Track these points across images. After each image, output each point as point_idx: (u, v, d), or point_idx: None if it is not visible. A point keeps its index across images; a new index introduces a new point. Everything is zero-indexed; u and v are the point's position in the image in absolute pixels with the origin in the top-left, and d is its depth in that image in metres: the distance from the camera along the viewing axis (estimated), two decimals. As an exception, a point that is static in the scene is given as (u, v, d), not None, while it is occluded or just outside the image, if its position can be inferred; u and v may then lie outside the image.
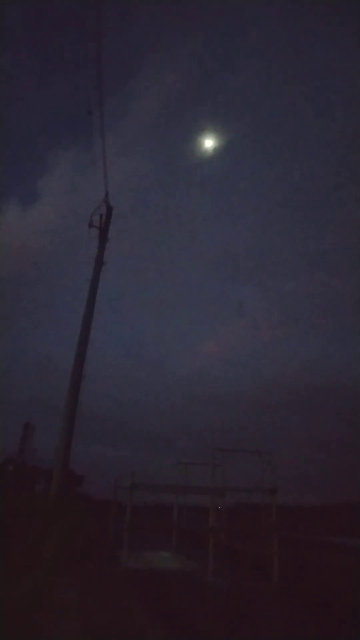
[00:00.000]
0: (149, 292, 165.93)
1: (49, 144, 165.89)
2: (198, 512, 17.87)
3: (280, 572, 10.83)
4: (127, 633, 5.54)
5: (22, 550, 7.71)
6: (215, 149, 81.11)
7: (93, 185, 22.92)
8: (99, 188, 22.87)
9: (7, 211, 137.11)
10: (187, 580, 10.72)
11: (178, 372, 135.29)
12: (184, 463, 16.32)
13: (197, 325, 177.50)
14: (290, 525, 24.84)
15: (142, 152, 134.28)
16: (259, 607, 8.53)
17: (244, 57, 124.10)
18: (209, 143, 79.62)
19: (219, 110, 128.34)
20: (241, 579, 11.29)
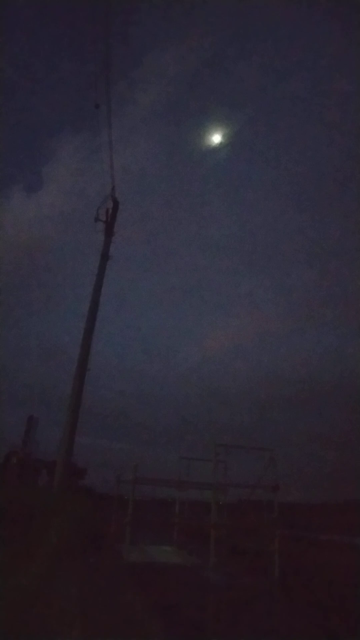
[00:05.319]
0: (154, 282, 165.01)
1: (53, 130, 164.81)
2: (200, 507, 17.90)
3: (281, 569, 10.82)
4: (127, 627, 5.54)
5: (23, 542, 7.74)
6: (222, 139, 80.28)
7: (99, 172, 22.83)
8: (105, 175, 22.73)
9: (11, 199, 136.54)
10: (188, 575, 10.75)
11: (183, 365, 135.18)
12: (187, 458, 16.32)
13: (204, 317, 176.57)
14: (292, 522, 24.84)
15: (147, 140, 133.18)
16: (259, 602, 8.53)
17: (250, 46, 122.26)
18: (215, 133, 79.00)
19: (225, 99, 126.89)
20: (242, 574, 11.30)
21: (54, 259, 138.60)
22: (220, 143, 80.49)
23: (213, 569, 10.94)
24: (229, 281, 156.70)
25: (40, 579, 5.79)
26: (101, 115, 21.74)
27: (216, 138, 74.65)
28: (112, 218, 22.63)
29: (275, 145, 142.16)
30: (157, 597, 7.72)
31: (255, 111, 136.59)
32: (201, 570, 11.11)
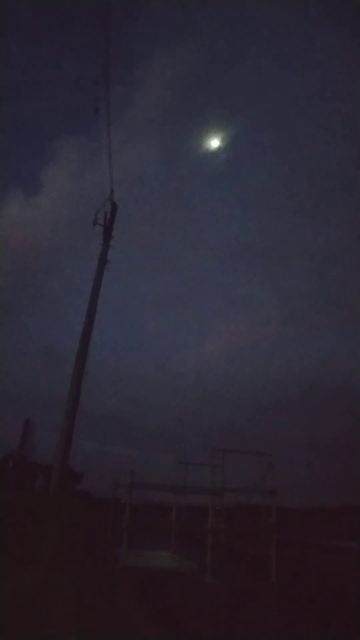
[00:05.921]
0: (151, 286, 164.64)
1: (53, 134, 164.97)
2: (197, 512, 17.86)
3: (278, 573, 10.79)
4: (124, 632, 5.51)
5: (20, 546, 7.70)
6: (221, 142, 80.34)
7: (98, 175, 22.76)
8: (104, 178, 22.72)
9: (10, 201, 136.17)
10: (185, 580, 10.69)
11: (181, 370, 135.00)
12: (184, 463, 16.29)
13: (201, 322, 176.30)
14: (289, 527, 24.79)
15: (146, 143, 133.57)
16: (256, 607, 8.50)
17: (251, 48, 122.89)
18: (214, 136, 79.26)
19: (225, 102, 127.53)
20: (239, 579, 11.26)
21: (52, 262, 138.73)
22: (220, 146, 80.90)
23: (210, 573, 10.89)
24: (226, 286, 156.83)
25: (37, 583, 5.77)
26: (100, 119, 21.80)
27: (215, 142, 74.85)
28: (111, 222, 22.61)
29: (274, 148, 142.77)
30: (154, 601, 7.68)
31: (255, 114, 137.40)
32: (198, 575, 11.05)
